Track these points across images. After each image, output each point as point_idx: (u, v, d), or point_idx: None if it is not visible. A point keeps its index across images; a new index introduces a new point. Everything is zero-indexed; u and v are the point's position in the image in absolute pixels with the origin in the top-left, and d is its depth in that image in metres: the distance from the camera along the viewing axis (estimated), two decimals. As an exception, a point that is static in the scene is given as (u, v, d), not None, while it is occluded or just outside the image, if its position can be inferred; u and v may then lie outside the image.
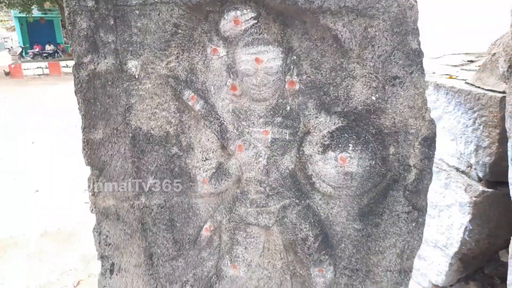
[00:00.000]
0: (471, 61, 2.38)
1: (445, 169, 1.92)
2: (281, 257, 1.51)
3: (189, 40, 1.31)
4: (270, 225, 1.44)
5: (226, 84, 1.34)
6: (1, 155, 5.21)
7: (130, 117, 1.35)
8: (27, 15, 14.95)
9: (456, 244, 1.88)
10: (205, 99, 1.35)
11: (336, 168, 1.35)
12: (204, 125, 1.37)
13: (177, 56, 1.31)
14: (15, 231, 3.16)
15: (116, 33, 1.27)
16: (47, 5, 15.70)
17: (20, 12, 14.81)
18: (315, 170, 1.37)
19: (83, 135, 1.37)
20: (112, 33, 1.27)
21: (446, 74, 2.06)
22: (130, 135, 1.36)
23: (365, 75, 1.29)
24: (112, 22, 1.26)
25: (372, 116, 1.32)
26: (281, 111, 1.34)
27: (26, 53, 15.76)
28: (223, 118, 1.36)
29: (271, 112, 1.34)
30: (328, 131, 1.34)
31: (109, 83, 1.32)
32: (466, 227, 1.83)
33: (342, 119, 1.34)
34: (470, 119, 1.77)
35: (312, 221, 1.43)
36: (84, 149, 1.39)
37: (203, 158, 1.40)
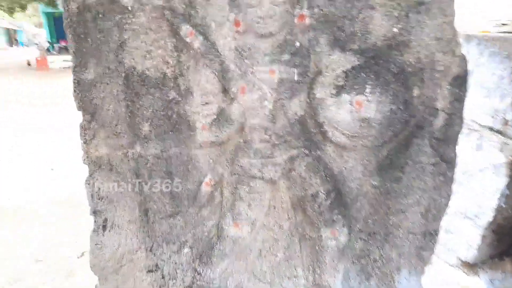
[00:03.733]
0: (504, 24, 2.16)
1: (477, 129, 1.71)
2: (288, 217, 1.36)
3: (188, -32, 1.18)
4: (276, 178, 1.29)
5: (228, 19, 1.20)
6: (19, 143, 5.26)
7: (123, 55, 1.23)
8: (54, 10, 15.30)
9: (489, 212, 1.67)
10: (205, 36, 1.21)
11: (351, 114, 1.19)
12: (204, 64, 1.24)
13: (175, -14, 1.19)
14: (30, 199, 3.16)
15: (108, -41, 1.16)
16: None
17: (45, 6, 15.12)
18: (327, 116, 1.21)
19: (73, 75, 1.27)
20: (103, -41, 1.16)
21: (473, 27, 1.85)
22: (123, 75, 1.25)
23: (385, 4, 1.13)
24: None
25: (393, 52, 1.16)
26: (289, 48, 1.19)
27: (53, 47, 16.16)
28: (224, 56, 1.22)
29: (278, 49, 1.20)
30: (343, 71, 1.18)
31: (100, 16, 1.20)
32: (502, 192, 1.62)
33: (358, 56, 1.17)
34: (505, 68, 1.55)
35: (324, 175, 1.27)
36: (75, 91, 1.28)
37: (202, 102, 1.27)
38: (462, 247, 1.85)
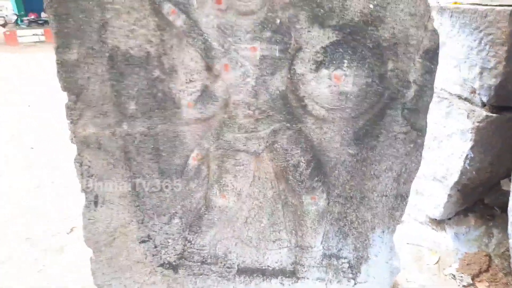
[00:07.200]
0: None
1: (447, 97, 1.81)
2: (272, 186, 1.45)
3: None
4: (260, 151, 1.36)
5: (209, -4, 1.22)
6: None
7: (106, 35, 1.24)
8: (19, -20, 14.45)
9: (456, 174, 1.82)
10: (187, 14, 1.24)
11: (330, 88, 1.26)
12: (187, 43, 1.27)
13: (155, -36, 1.19)
14: (13, 179, 3.13)
15: None
16: (40, -31, 15.02)
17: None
18: (308, 90, 1.28)
19: (56, 56, 1.27)
20: None
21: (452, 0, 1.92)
22: (107, 55, 1.26)
23: (361, -19, 1.17)
24: None
25: (369, 28, 1.22)
26: (270, 25, 1.23)
27: (22, 20, 15.38)
28: (207, 34, 1.25)
29: (259, 27, 1.24)
30: (322, 47, 1.24)
31: (81, -5, 1.20)
32: (467, 155, 1.76)
33: (336, 32, 1.23)
34: (475, 40, 1.65)
35: (304, 146, 1.35)
36: (58, 71, 1.29)
37: (187, 80, 1.31)
38: (430, 206, 2.00)
